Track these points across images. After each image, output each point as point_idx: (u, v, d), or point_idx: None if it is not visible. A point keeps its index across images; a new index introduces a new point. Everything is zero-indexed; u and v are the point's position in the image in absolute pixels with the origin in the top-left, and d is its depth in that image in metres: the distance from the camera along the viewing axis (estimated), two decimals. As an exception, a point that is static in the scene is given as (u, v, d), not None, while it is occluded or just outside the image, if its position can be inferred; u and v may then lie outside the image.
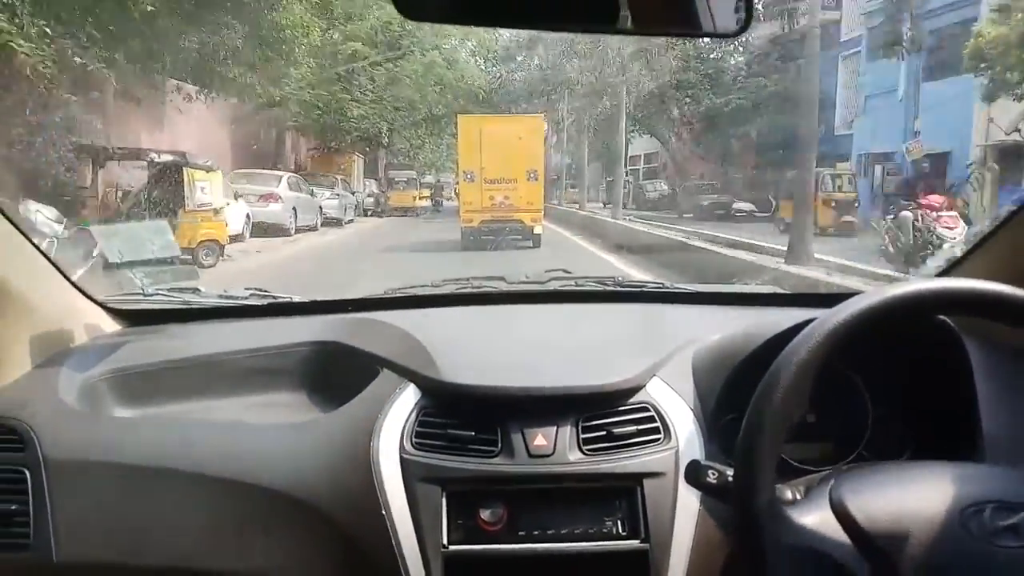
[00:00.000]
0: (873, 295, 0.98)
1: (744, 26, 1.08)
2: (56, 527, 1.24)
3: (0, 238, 1.39)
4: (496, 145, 14.94)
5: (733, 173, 28.40)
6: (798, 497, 1.01)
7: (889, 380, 1.33)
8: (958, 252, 1.49)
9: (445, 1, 1.09)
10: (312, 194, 17.29)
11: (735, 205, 25.03)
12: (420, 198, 26.87)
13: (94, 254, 3.99)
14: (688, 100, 27.33)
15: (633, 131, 29.67)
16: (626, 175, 29.47)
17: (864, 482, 0.98)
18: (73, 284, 1.57)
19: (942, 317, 1.23)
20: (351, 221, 20.28)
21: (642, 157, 38.13)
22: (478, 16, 1.12)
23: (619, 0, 0.99)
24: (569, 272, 2.01)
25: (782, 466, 0.99)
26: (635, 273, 9.35)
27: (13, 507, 1.24)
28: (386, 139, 27.32)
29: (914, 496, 0.94)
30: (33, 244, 1.46)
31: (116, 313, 1.67)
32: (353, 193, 22.17)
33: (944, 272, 1.51)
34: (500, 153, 14.81)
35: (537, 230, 14.75)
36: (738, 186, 27.19)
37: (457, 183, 17.93)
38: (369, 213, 23.99)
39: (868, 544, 0.91)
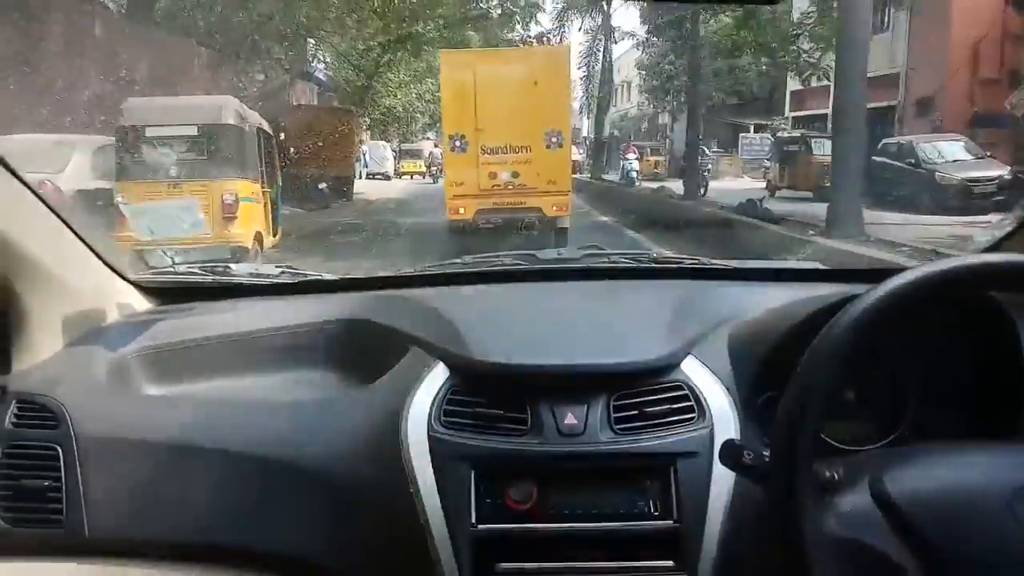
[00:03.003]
0: (917, 271, 0.93)
1: None
2: (88, 504, 1.25)
3: (34, 218, 1.40)
4: (498, 94, 9.95)
5: None
6: (836, 478, 0.98)
7: (933, 358, 1.28)
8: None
9: None
10: None
11: None
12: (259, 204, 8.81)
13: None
14: None
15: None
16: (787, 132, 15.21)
17: (905, 465, 0.94)
18: (106, 263, 1.58)
19: (990, 293, 1.17)
20: None
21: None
22: None
23: None
24: (601, 248, 1.98)
25: (820, 446, 0.96)
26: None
27: (46, 483, 1.26)
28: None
29: (958, 480, 0.91)
30: (66, 223, 1.47)
31: (148, 291, 1.69)
32: None
33: (993, 247, 1.45)
34: (504, 107, 9.93)
35: (563, 223, 10.15)
36: None
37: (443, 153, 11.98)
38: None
39: (909, 530, 0.88)
